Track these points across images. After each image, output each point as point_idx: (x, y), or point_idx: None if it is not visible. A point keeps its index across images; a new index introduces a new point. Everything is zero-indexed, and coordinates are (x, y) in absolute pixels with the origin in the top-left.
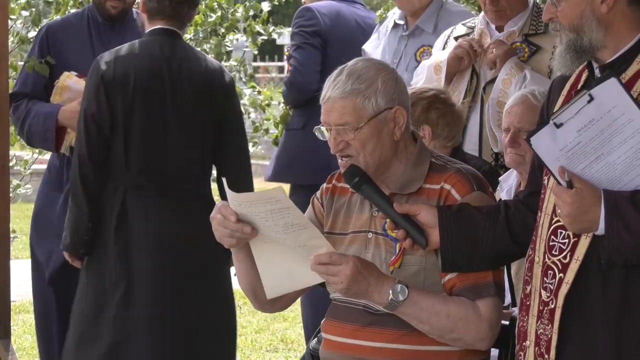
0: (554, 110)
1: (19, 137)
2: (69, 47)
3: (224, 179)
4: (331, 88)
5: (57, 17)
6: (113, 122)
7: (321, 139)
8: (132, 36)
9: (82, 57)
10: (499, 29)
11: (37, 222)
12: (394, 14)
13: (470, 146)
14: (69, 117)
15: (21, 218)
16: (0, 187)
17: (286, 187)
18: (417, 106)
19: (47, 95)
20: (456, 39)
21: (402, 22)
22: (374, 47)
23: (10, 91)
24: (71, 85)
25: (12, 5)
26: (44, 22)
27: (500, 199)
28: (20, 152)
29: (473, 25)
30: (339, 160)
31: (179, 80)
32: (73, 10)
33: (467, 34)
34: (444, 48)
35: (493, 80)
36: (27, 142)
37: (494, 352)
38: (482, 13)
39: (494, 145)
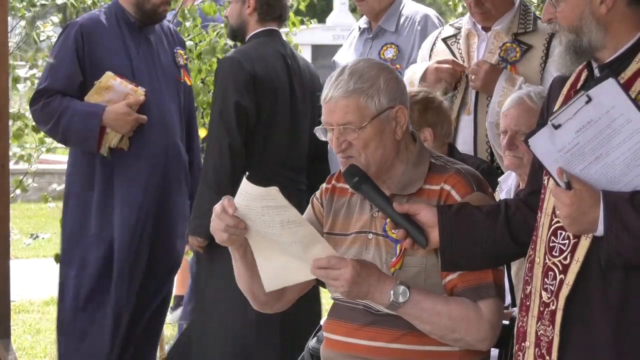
0: (554, 110)
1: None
2: (103, 47)
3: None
4: (333, 88)
5: (85, 15)
6: (258, 117)
7: (322, 139)
8: (155, 35)
9: (116, 57)
10: (486, 29)
11: (73, 222)
12: (359, 23)
13: (465, 147)
14: (114, 118)
15: (21, 218)
16: (0, 187)
17: None
18: (412, 111)
19: (82, 93)
20: (444, 40)
21: (366, 26)
22: (343, 55)
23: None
24: (115, 86)
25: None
26: (47, 22)
27: (500, 199)
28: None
29: (460, 26)
30: (340, 160)
31: (299, 78)
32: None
33: (455, 35)
34: (431, 50)
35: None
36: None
37: (494, 352)
38: (468, 14)
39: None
